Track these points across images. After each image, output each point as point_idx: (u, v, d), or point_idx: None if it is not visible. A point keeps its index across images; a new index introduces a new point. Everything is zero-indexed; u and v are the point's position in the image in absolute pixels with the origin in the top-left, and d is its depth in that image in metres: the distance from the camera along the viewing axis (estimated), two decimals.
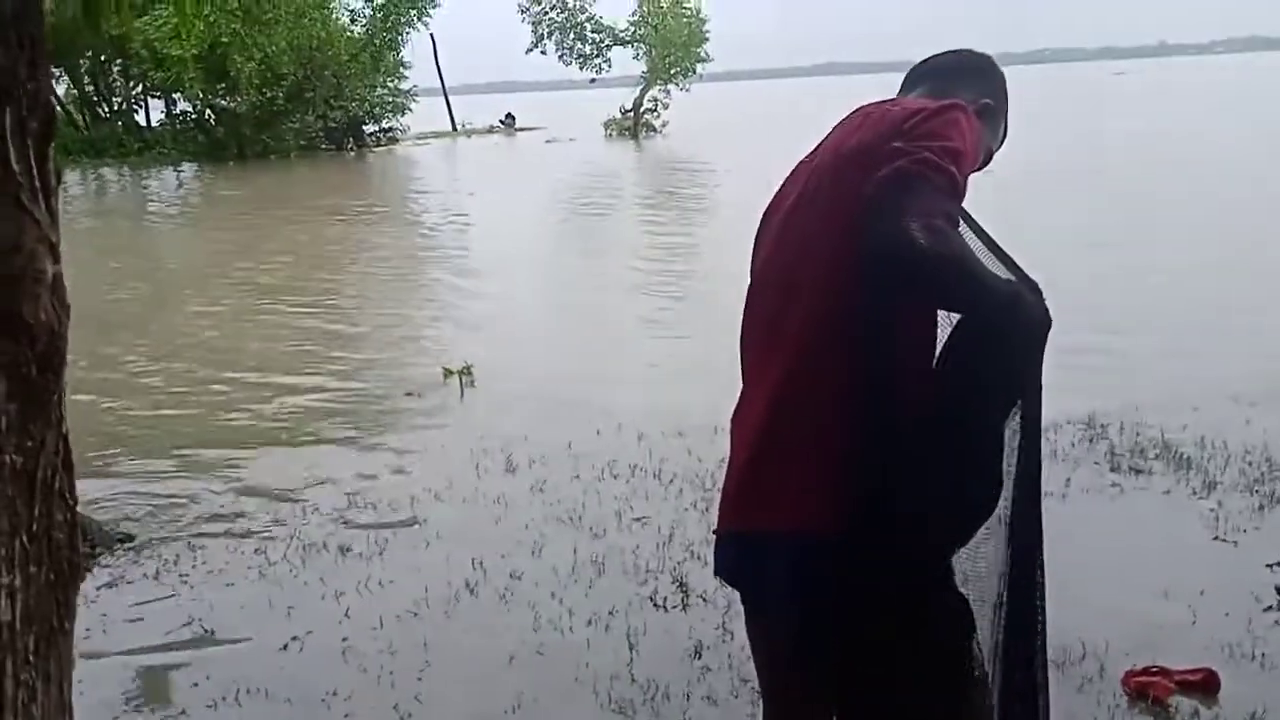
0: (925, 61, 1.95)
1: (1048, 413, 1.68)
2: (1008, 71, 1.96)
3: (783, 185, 1.83)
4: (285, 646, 3.27)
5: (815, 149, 1.81)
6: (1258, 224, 10.84)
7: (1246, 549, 3.82)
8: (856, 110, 1.79)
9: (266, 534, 4.11)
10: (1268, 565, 3.64)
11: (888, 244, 1.50)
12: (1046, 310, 1.58)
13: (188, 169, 18.40)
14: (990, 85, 1.87)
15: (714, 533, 1.80)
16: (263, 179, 17.69)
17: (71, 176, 18.04)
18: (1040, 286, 1.60)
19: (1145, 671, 2.99)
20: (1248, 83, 49.47)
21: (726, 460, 1.79)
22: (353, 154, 30.25)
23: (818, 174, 1.74)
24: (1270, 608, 3.38)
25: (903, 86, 1.92)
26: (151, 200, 15.94)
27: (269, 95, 27.33)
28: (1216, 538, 3.93)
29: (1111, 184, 13.89)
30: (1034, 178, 13.56)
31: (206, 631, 3.35)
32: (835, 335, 1.63)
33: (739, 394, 1.82)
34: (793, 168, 1.83)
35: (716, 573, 1.87)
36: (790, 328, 1.68)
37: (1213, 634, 3.22)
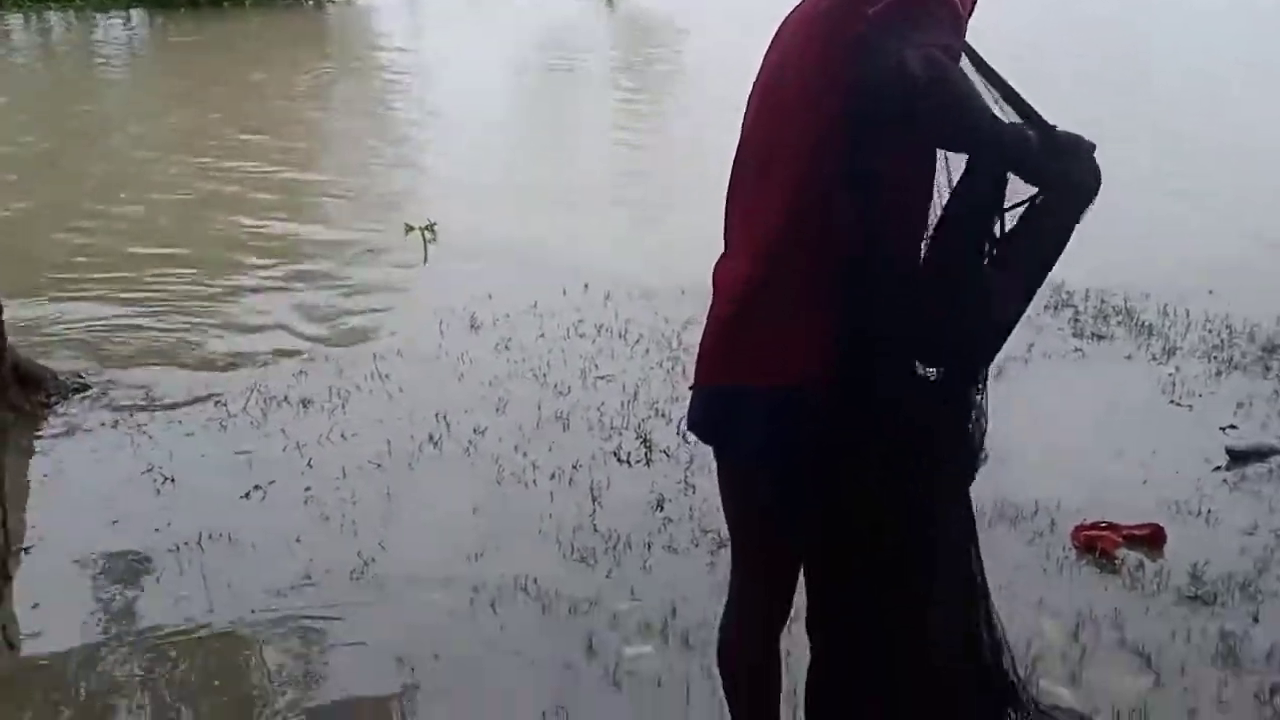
0: None
1: None
2: None
3: (773, 37, 1.70)
4: (247, 495, 3.26)
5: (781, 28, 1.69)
6: (1240, 97, 10.71)
7: (1201, 412, 3.89)
8: None
9: (226, 386, 4.05)
10: (1221, 428, 3.71)
11: (884, 76, 1.41)
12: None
13: (136, 17, 17.53)
14: None
15: (690, 388, 1.75)
16: (216, 27, 16.86)
17: (14, 21, 17.11)
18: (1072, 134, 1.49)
19: (1094, 526, 3.08)
20: None
21: (706, 316, 1.73)
22: (311, 3, 28.94)
23: (805, 21, 1.63)
24: (1219, 468, 3.47)
25: None
26: (100, 45, 15.24)
27: None
28: (1173, 401, 4.00)
29: (1087, 54, 13.64)
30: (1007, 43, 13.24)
31: (166, 479, 3.32)
32: (824, 188, 1.55)
33: (722, 250, 1.75)
34: (783, 18, 1.70)
35: (690, 427, 1.81)
36: (778, 181, 1.60)
37: (1162, 492, 3.30)
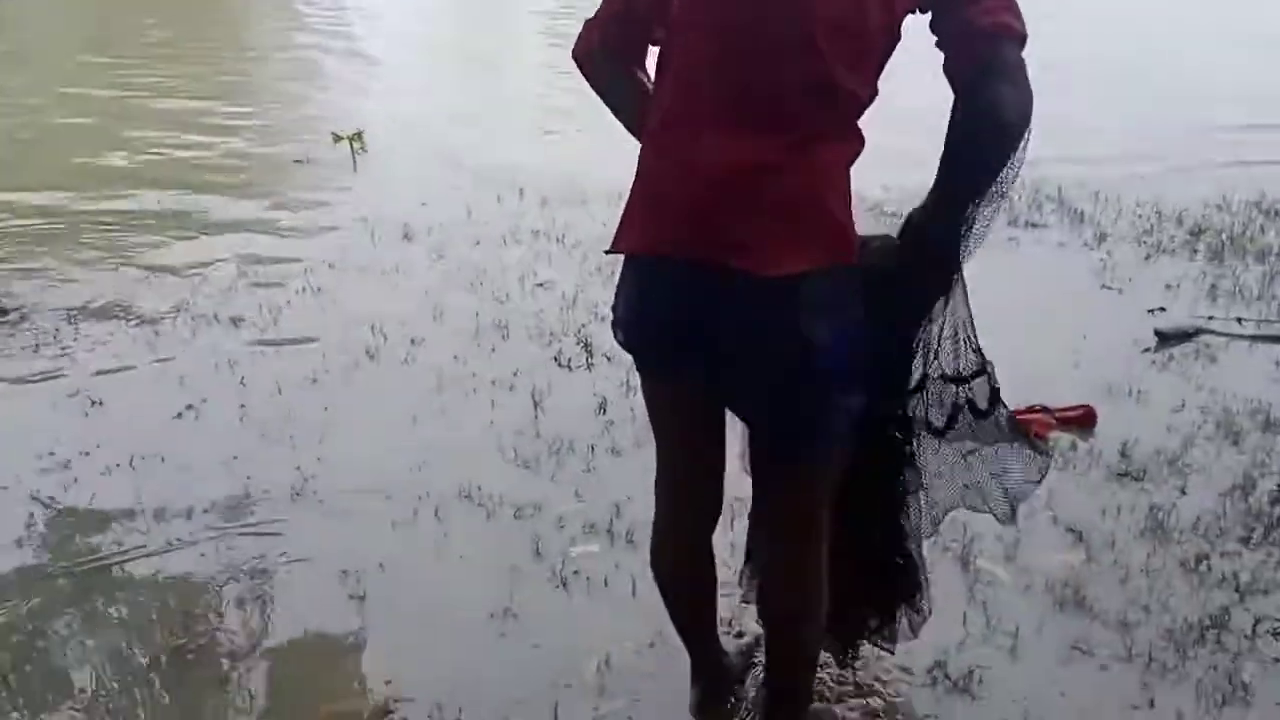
0: None
1: None
2: None
3: None
4: (179, 415, 3.18)
5: None
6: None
7: (1131, 295, 3.96)
8: None
9: (154, 306, 3.93)
10: (1149, 310, 3.79)
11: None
12: None
13: None
14: None
15: (658, 253, 1.59)
16: None
17: None
18: None
19: (1029, 410, 3.13)
20: None
21: (678, 174, 1.55)
22: None
23: None
24: (1148, 349, 3.55)
25: None
26: None
27: None
28: (1104, 286, 4.07)
29: None
30: None
31: (94, 402, 3.23)
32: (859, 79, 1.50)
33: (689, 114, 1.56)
34: None
35: (646, 300, 1.64)
36: (803, 59, 1.46)
37: (1094, 374, 3.37)
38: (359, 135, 5.79)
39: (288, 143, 6.27)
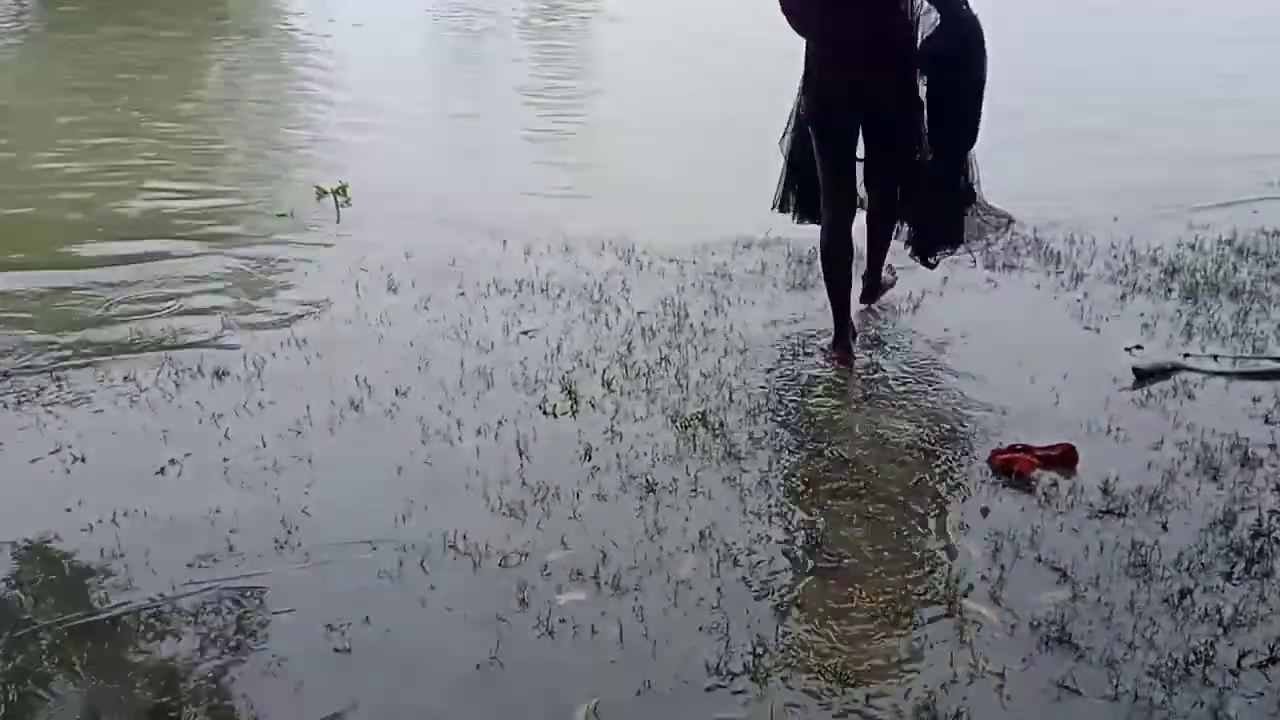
0: None
1: None
2: None
3: None
4: (162, 470, 3.17)
5: None
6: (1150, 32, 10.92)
7: (1108, 335, 4.01)
8: None
9: (135, 360, 3.92)
10: (1126, 348, 3.83)
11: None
12: None
13: None
14: None
15: (840, 105, 3.74)
16: None
17: None
18: None
19: (1010, 449, 3.16)
20: None
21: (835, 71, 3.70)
22: None
23: None
24: (1125, 387, 3.59)
25: None
26: None
27: None
28: (1084, 326, 4.12)
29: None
30: None
31: (77, 458, 3.22)
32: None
33: (825, 44, 3.71)
34: None
35: (836, 121, 3.79)
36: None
37: (1074, 413, 3.41)
38: (343, 188, 5.82)
39: (272, 196, 6.31)
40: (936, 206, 3.91)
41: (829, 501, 3.01)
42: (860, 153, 3.84)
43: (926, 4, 3.62)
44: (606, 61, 11.40)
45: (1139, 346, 3.86)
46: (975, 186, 3.89)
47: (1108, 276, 4.56)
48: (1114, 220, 5.20)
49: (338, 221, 5.65)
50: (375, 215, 5.80)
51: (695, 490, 3.05)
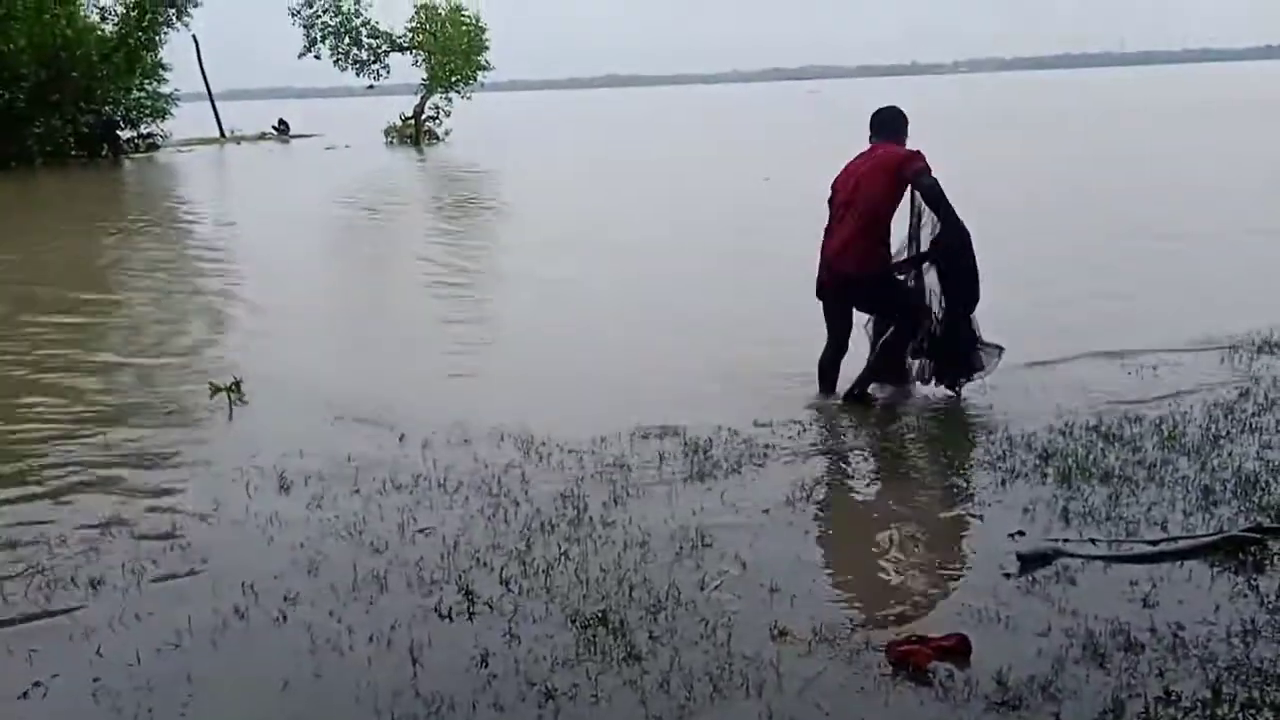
0: (879, 112, 5.70)
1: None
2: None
3: (842, 174, 5.62)
4: (25, 694, 2.97)
5: (850, 163, 5.62)
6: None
7: (991, 521, 4.15)
8: (868, 150, 5.61)
9: (5, 570, 3.72)
10: (1009, 534, 3.97)
11: (934, 188, 5.40)
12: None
13: None
14: (905, 126, 5.68)
15: (821, 280, 5.63)
16: (11, 187, 16.13)
17: None
18: None
19: (906, 641, 3.19)
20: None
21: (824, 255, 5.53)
22: (108, 160, 28.29)
23: (867, 164, 5.53)
24: (1010, 575, 3.69)
25: (871, 127, 5.68)
26: None
27: (6, 97, 25.25)
28: (967, 514, 4.26)
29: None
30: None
31: None
32: (877, 208, 5.45)
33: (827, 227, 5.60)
34: (844, 167, 5.64)
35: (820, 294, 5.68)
36: (859, 204, 5.45)
37: (963, 602, 3.48)
38: (237, 385, 5.77)
39: (162, 393, 6.20)
40: (955, 349, 5.53)
41: (729, 702, 2.97)
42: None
43: (928, 213, 5.41)
44: (503, 255, 11.71)
45: (1021, 532, 4.00)
46: (977, 332, 5.50)
47: (986, 462, 4.75)
48: (990, 407, 5.48)
49: (229, 419, 5.57)
50: (270, 411, 5.74)
51: (596, 696, 2.99)
